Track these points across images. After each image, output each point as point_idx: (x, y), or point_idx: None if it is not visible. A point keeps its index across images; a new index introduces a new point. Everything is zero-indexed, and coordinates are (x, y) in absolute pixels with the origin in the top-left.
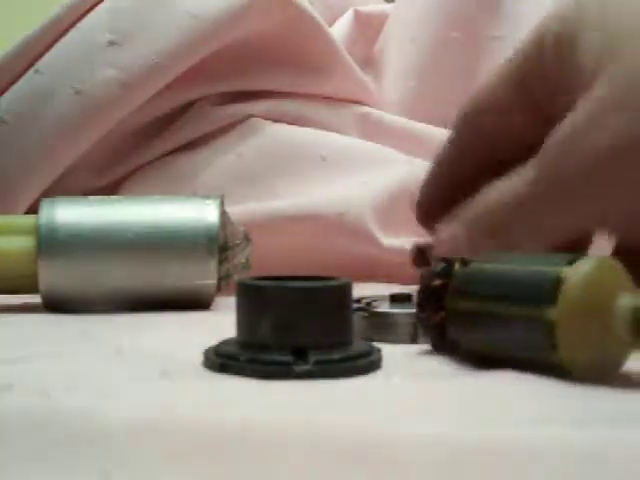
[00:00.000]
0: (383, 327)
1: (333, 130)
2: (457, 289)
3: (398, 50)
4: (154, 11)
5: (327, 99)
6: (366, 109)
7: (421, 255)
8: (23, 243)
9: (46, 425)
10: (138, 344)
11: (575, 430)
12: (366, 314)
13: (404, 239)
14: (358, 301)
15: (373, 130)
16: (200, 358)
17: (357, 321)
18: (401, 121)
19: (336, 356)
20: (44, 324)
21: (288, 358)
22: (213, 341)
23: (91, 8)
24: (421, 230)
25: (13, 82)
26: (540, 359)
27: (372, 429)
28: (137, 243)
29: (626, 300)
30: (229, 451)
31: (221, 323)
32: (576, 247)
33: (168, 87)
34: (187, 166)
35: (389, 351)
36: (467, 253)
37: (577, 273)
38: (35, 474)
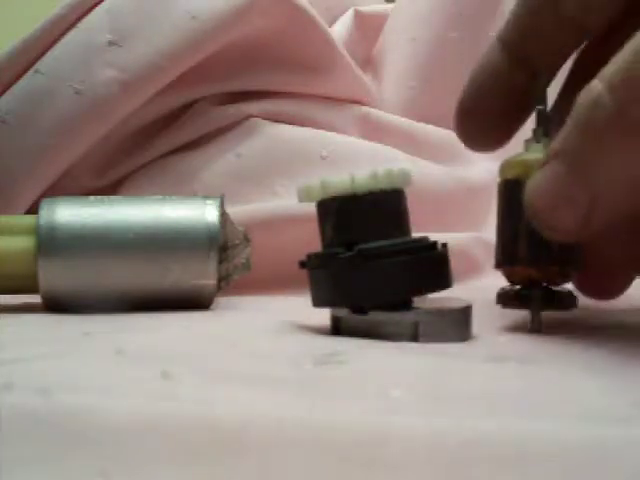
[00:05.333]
0: (383, 326)
1: (333, 130)
2: None
3: (398, 50)
4: (154, 11)
5: (327, 99)
6: (366, 109)
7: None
8: (23, 243)
9: (46, 425)
10: (138, 344)
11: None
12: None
13: None
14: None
15: (373, 130)
16: (199, 357)
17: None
18: (401, 121)
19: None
20: (44, 324)
21: (339, 250)
22: (213, 341)
23: (91, 8)
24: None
25: (13, 82)
26: None
27: (373, 428)
28: (137, 243)
29: None
30: (229, 451)
31: (221, 323)
32: None
33: (168, 87)
34: (187, 166)
35: (387, 351)
36: None
37: None
38: (35, 474)
